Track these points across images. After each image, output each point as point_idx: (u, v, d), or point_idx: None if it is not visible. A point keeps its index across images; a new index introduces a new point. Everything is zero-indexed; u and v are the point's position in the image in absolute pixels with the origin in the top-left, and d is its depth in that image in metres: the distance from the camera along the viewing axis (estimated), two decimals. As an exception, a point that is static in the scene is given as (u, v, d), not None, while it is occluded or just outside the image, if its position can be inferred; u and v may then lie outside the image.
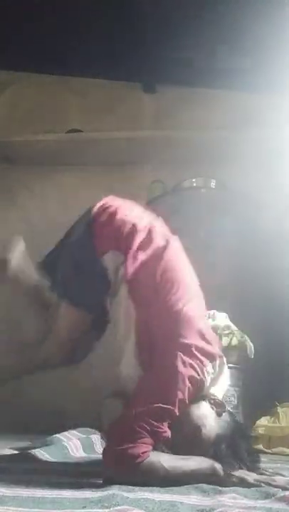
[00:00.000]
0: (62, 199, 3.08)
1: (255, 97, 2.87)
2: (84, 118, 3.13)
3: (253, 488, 1.20)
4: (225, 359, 1.47)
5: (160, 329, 1.41)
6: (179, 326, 1.38)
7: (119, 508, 0.98)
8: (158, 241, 1.54)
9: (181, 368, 1.30)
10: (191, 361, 1.32)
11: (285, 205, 2.82)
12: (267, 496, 1.13)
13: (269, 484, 1.23)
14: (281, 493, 1.12)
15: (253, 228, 2.77)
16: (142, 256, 1.49)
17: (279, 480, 1.28)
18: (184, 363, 1.31)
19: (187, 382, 1.30)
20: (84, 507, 0.99)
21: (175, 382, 1.28)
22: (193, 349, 1.34)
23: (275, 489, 1.18)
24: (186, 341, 1.35)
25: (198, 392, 1.35)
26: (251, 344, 2.25)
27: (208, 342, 1.39)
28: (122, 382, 1.52)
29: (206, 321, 1.51)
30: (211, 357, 1.38)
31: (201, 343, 1.37)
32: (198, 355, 1.34)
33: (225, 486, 1.21)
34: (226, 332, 2.18)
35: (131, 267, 1.47)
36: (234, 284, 2.49)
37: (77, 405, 2.70)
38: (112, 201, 1.66)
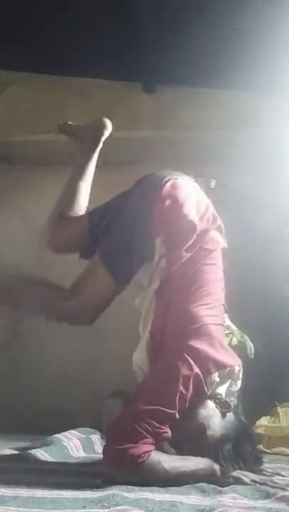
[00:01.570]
0: (62, 199, 3.08)
1: (255, 97, 2.87)
2: (84, 118, 3.13)
3: (253, 488, 1.20)
4: (239, 369, 1.44)
5: (172, 328, 1.39)
6: (192, 328, 1.36)
7: (119, 508, 0.98)
8: (205, 245, 1.50)
9: (184, 370, 1.28)
10: (196, 366, 1.30)
11: (285, 205, 2.82)
12: (267, 495, 1.12)
13: (265, 485, 1.23)
14: (281, 493, 1.12)
15: (253, 228, 2.78)
16: (185, 256, 1.46)
17: (277, 481, 1.27)
18: (188, 366, 1.29)
19: (190, 386, 1.28)
20: (84, 507, 0.99)
21: (176, 385, 1.27)
22: (201, 354, 1.32)
23: (276, 489, 1.18)
24: (195, 345, 1.33)
25: (200, 398, 1.34)
26: (251, 344, 2.25)
27: (218, 350, 1.37)
28: (134, 368, 1.50)
29: (222, 330, 1.48)
30: (221, 366, 1.36)
31: (211, 351, 1.34)
32: (206, 361, 1.32)
33: (221, 486, 1.21)
34: (226, 332, 2.18)
35: (172, 266, 1.45)
36: (234, 283, 2.49)
37: (77, 405, 2.70)
38: (183, 185, 1.56)
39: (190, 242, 1.47)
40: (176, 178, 1.58)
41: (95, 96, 3.20)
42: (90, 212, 1.71)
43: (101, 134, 1.90)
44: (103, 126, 1.91)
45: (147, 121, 3.07)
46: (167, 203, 1.50)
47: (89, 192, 1.86)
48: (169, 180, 1.55)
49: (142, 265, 1.53)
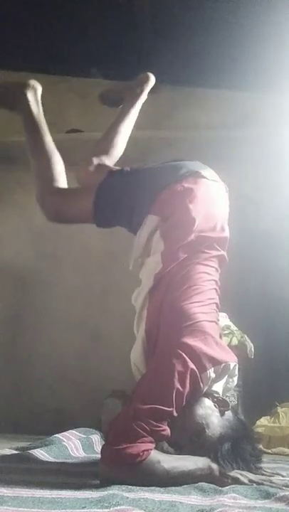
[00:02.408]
0: (62, 199, 3.08)
1: (255, 97, 2.87)
2: (84, 118, 3.13)
3: (253, 488, 1.19)
4: (234, 365, 1.44)
5: (166, 326, 1.39)
6: (185, 326, 1.36)
7: (119, 508, 0.97)
8: (202, 248, 1.50)
9: (179, 367, 1.28)
10: (191, 362, 1.30)
11: (284, 205, 2.82)
12: (267, 495, 1.12)
13: (263, 485, 1.23)
14: (281, 493, 1.12)
15: (253, 228, 2.77)
16: (181, 257, 1.47)
17: (276, 481, 1.27)
18: (183, 362, 1.30)
19: (186, 382, 1.29)
20: (84, 507, 0.99)
21: (172, 382, 1.27)
22: (196, 351, 1.32)
23: (276, 489, 1.18)
24: (189, 342, 1.33)
25: (197, 394, 1.35)
26: (251, 344, 2.25)
27: (212, 347, 1.37)
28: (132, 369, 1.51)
29: (216, 327, 1.47)
30: (215, 362, 1.36)
31: (206, 347, 1.34)
32: (201, 358, 1.32)
33: (220, 486, 1.20)
34: (226, 332, 2.18)
35: (167, 266, 1.46)
36: (234, 283, 2.49)
37: (77, 405, 2.70)
38: (205, 185, 1.59)
39: (188, 240, 1.48)
40: (204, 177, 1.60)
41: (95, 96, 3.20)
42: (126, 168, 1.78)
43: (145, 85, 2.04)
44: (147, 79, 2.05)
45: (147, 121, 3.07)
46: (179, 189, 1.53)
47: (128, 136, 2.00)
48: (194, 173, 1.58)
49: (124, 227, 1.66)
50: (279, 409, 2.28)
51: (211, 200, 1.58)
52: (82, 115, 3.17)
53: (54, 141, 2.94)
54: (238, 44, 2.58)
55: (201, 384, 1.33)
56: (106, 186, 1.68)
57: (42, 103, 3.23)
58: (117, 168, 1.78)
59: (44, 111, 3.20)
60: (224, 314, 2.21)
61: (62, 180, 1.78)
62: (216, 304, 1.51)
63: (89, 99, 3.21)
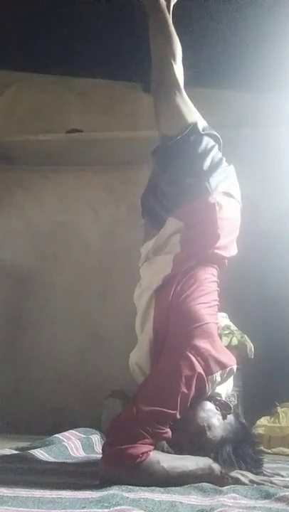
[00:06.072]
0: (62, 199, 3.09)
1: (255, 97, 2.87)
2: (84, 118, 3.14)
3: (253, 488, 1.19)
4: (234, 367, 1.44)
5: (175, 327, 1.39)
6: (194, 327, 1.36)
7: (119, 508, 0.97)
8: (213, 260, 1.53)
9: (186, 371, 1.28)
10: (198, 365, 1.30)
11: (284, 205, 2.81)
12: (267, 496, 1.12)
13: (263, 485, 1.23)
14: (281, 493, 1.12)
15: (253, 229, 2.77)
16: (191, 263, 1.48)
17: (276, 481, 1.27)
18: (191, 365, 1.29)
19: (192, 386, 1.28)
20: (84, 507, 0.99)
21: (178, 385, 1.27)
22: (205, 353, 1.32)
23: (276, 489, 1.18)
24: (198, 344, 1.33)
25: (202, 397, 1.34)
26: (251, 344, 2.25)
27: (219, 350, 1.37)
28: (130, 370, 1.51)
29: (217, 329, 1.48)
30: (222, 365, 1.36)
31: (213, 350, 1.34)
32: (209, 360, 1.32)
33: (220, 486, 1.20)
34: (226, 332, 2.18)
35: (177, 269, 1.47)
36: (234, 283, 2.49)
37: (77, 405, 2.70)
38: (233, 206, 1.63)
39: (205, 253, 1.49)
40: (234, 197, 1.64)
41: (95, 96, 3.20)
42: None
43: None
44: None
45: (147, 121, 3.06)
46: (212, 201, 1.55)
47: None
48: (230, 195, 1.62)
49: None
50: (279, 409, 2.28)
51: (232, 220, 1.62)
52: (82, 115, 3.17)
53: (54, 141, 2.97)
54: (238, 44, 2.57)
55: (207, 387, 1.33)
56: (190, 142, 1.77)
57: (42, 103, 3.25)
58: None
59: (44, 111, 3.23)
60: (224, 314, 2.21)
61: (179, 59, 1.87)
62: (218, 305, 1.52)
63: (89, 99, 3.22)
